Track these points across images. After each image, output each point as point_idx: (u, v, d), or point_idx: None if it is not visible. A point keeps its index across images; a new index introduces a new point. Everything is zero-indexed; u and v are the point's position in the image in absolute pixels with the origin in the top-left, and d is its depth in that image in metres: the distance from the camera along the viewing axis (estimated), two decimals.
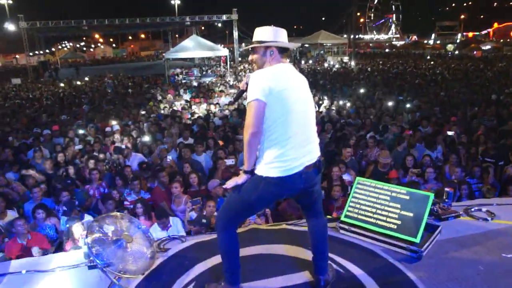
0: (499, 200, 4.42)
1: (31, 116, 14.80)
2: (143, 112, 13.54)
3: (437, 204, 3.91)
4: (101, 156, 8.22)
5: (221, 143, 8.92)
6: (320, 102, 14.77)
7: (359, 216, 3.58)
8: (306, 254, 3.15)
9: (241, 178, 2.66)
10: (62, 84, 28.40)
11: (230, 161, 7.34)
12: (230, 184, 2.69)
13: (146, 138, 9.29)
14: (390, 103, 13.75)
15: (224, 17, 39.66)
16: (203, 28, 66.41)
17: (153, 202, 6.26)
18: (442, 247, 3.38)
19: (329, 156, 8.04)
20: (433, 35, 79.10)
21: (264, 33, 2.71)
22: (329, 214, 5.17)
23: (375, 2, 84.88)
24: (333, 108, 13.67)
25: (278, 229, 3.80)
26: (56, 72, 39.53)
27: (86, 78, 30.71)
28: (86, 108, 16.14)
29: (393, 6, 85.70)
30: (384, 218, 3.45)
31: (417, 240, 3.23)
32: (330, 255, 3.27)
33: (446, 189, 4.07)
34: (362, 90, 17.25)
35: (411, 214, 3.36)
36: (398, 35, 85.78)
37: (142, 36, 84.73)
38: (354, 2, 32.16)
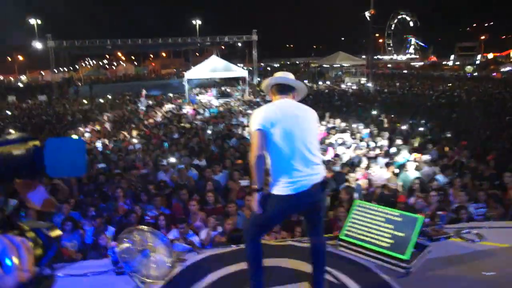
0: (490, 223, 4.77)
1: (57, 132, 15.52)
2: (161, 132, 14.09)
3: (430, 226, 4.28)
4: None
5: (240, 161, 9.37)
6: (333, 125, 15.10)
7: (357, 235, 3.99)
8: (307, 268, 3.56)
9: (255, 197, 3.13)
10: (85, 101, 29.36)
11: (245, 182, 7.75)
12: (254, 207, 3.14)
13: (171, 159, 9.67)
14: (403, 127, 14.04)
15: (244, 38, 40.56)
16: (223, 47, 67.68)
17: (172, 217, 6.71)
18: (430, 265, 3.75)
19: (339, 179, 8.44)
20: (452, 56, 78.75)
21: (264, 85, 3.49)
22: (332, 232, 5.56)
23: (392, 28, 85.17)
24: (348, 129, 14.05)
25: (283, 245, 4.23)
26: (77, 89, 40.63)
27: (109, 96, 31.62)
28: (108, 126, 16.81)
29: (411, 23, 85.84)
30: (379, 237, 3.85)
31: (406, 257, 3.62)
32: (329, 269, 3.69)
33: (439, 212, 4.44)
34: (374, 112, 17.53)
35: (402, 234, 3.76)
36: (417, 56, 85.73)
37: (163, 54, 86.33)
38: (370, 25, 32.60)
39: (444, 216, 4.38)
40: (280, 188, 3.05)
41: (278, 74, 3.47)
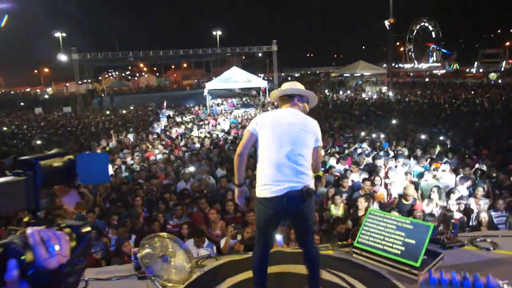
0: (505, 232, 4.80)
1: (81, 143, 15.96)
2: (182, 143, 14.36)
3: (444, 234, 4.35)
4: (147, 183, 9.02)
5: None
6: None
7: (370, 242, 4.10)
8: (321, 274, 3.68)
9: (235, 192, 3.49)
10: (108, 112, 30.02)
11: None
12: (236, 200, 3.54)
13: (190, 168, 9.91)
14: (423, 136, 13.95)
15: (264, 48, 40.93)
16: (244, 57, 68.28)
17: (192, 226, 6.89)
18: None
19: (357, 187, 8.53)
20: (476, 63, 77.32)
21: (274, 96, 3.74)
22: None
23: (414, 34, 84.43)
24: (367, 138, 14.10)
25: (299, 252, 4.34)
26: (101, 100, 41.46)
27: (131, 107, 32.24)
28: (131, 137, 17.18)
29: (433, 33, 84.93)
30: (391, 245, 3.95)
31: (418, 264, 3.70)
32: (343, 275, 3.80)
33: (452, 220, 4.51)
34: (394, 122, 17.48)
35: (413, 242, 3.85)
36: (439, 64, 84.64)
37: (185, 65, 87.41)
38: (390, 34, 32.57)
39: (457, 224, 4.45)
40: (260, 190, 3.25)
41: (286, 85, 3.66)
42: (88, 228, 1.03)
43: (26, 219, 0.99)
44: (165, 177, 9.70)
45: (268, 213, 3.26)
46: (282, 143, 3.22)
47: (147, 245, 3.59)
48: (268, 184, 3.19)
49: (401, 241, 3.91)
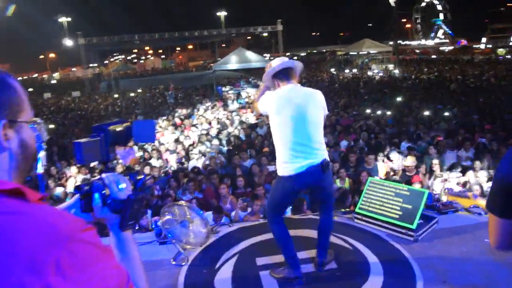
0: None
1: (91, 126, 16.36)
2: (194, 122, 14.74)
3: (439, 201, 4.69)
4: (159, 162, 9.41)
5: (266, 149, 9.92)
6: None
7: (370, 208, 4.45)
8: None
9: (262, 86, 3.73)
10: (116, 95, 30.39)
11: (272, 168, 8.26)
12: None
13: (200, 147, 10.35)
14: (427, 112, 14.19)
15: (269, 28, 40.88)
16: (249, 38, 67.97)
17: (204, 201, 7.30)
18: (437, 234, 4.18)
19: (359, 162, 8.86)
20: (484, 39, 75.86)
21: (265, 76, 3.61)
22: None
23: (420, 12, 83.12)
24: (373, 115, 14.39)
25: (305, 218, 4.73)
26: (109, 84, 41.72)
27: (139, 90, 32.57)
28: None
29: (441, 15, 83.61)
30: (389, 210, 4.30)
31: (414, 227, 4.06)
32: (346, 237, 4.17)
33: (447, 189, 4.84)
34: (399, 99, 17.68)
35: (410, 206, 4.19)
36: (447, 40, 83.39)
37: (190, 47, 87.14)
38: (394, 11, 32.42)
39: (452, 190, 4.78)
40: (282, 169, 3.40)
41: (275, 62, 3.56)
42: (141, 176, 1.39)
43: (101, 168, 1.37)
44: (176, 156, 10.11)
45: (291, 189, 3.46)
46: (298, 123, 3.32)
47: (167, 213, 3.97)
48: (288, 162, 3.34)
49: (399, 206, 4.26)
